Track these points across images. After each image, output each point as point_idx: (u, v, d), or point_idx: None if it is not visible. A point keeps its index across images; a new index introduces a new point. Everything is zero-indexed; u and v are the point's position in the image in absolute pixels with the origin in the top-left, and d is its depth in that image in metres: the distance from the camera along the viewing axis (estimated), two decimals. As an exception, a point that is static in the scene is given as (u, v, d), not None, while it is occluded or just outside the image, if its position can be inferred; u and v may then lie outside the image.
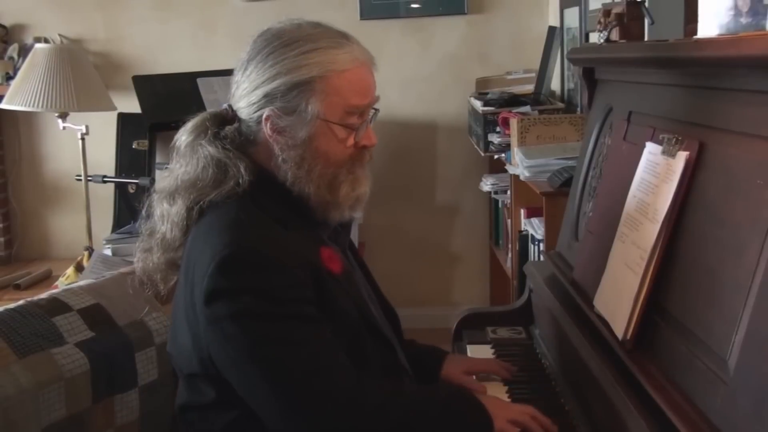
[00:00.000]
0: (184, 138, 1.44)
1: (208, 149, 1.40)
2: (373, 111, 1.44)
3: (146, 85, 3.67)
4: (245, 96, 1.41)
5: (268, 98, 1.38)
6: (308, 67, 1.36)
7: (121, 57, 4.06)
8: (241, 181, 1.37)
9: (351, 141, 1.40)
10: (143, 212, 1.49)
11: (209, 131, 1.43)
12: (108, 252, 3.23)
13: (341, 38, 1.40)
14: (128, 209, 3.74)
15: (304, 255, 1.34)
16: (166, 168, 1.48)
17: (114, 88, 3.89)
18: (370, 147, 1.43)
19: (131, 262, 2.65)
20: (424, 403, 1.38)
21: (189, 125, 1.45)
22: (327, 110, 1.37)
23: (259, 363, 1.27)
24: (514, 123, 2.96)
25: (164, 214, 1.43)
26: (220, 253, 1.28)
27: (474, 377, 1.63)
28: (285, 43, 1.39)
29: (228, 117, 1.45)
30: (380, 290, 1.61)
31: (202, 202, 1.38)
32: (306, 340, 1.29)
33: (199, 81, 3.68)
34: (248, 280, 1.28)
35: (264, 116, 1.38)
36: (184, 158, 1.43)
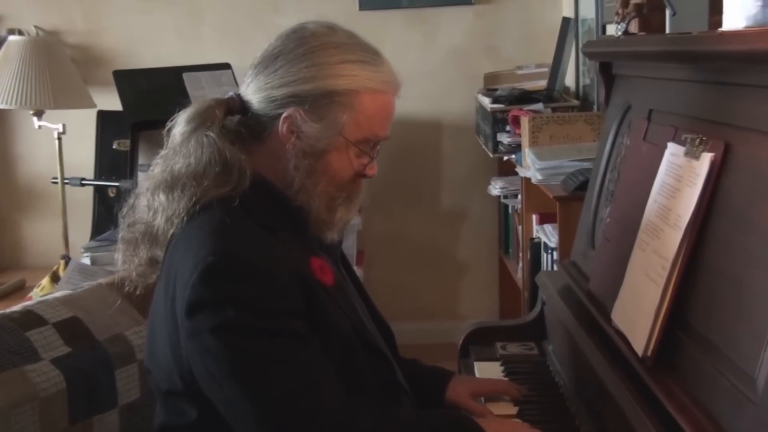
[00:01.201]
0: (183, 125, 1.43)
1: (219, 143, 1.40)
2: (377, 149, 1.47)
3: (128, 81, 3.68)
4: (266, 90, 1.41)
5: (296, 99, 1.39)
6: (346, 78, 1.38)
7: (101, 50, 4.07)
8: (240, 185, 1.38)
9: (359, 165, 1.43)
10: (126, 206, 1.47)
11: (217, 119, 1.43)
12: (86, 261, 3.23)
13: (376, 55, 1.44)
14: (108, 215, 3.73)
15: (294, 264, 1.34)
16: (157, 157, 1.46)
17: (93, 83, 3.90)
18: (370, 177, 1.47)
19: (111, 272, 2.65)
20: (417, 428, 1.38)
21: (191, 111, 1.44)
22: (351, 128, 1.40)
23: (239, 380, 1.28)
24: (525, 122, 2.96)
25: (158, 205, 1.41)
26: (203, 260, 1.29)
27: (482, 399, 1.63)
28: (324, 47, 1.40)
29: (234, 106, 1.45)
30: (374, 306, 1.61)
31: (200, 202, 1.38)
32: (291, 357, 1.29)
33: (185, 76, 3.69)
34: (233, 291, 1.28)
35: (284, 114, 1.39)
36: (184, 147, 1.42)
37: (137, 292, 1.48)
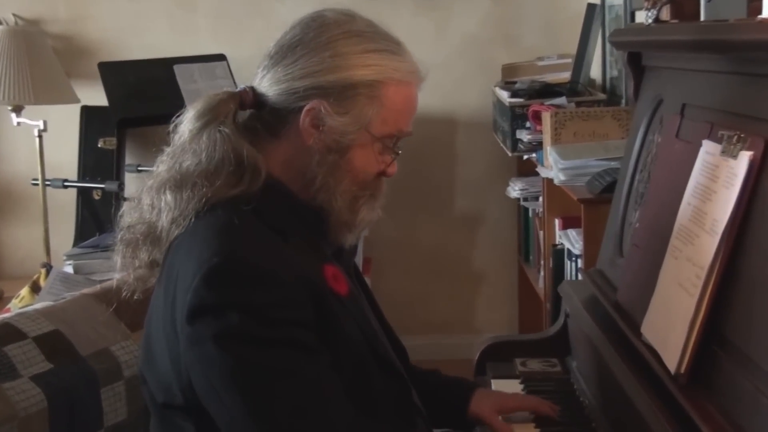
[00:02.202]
0: (193, 120, 1.44)
1: (233, 140, 1.40)
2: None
3: (114, 74, 3.69)
4: (285, 82, 1.42)
5: (319, 91, 1.40)
6: (372, 68, 1.40)
7: (86, 40, 4.08)
8: (251, 186, 1.39)
9: (381, 164, 1.45)
10: (126, 206, 1.48)
11: (230, 114, 1.43)
12: (69, 269, 3.24)
13: (398, 44, 1.46)
14: (93, 219, 3.75)
15: (305, 271, 1.35)
16: (162, 155, 1.46)
17: (77, 76, 3.91)
18: (389, 176, 1.49)
19: (96, 282, 2.66)
20: None
21: (201, 105, 1.45)
22: (376, 122, 1.42)
23: (241, 393, 1.28)
24: (546, 117, 2.96)
25: (163, 205, 1.41)
26: (206, 263, 1.29)
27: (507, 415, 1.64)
28: (346, 35, 1.42)
29: (247, 100, 1.46)
30: (387, 321, 1.62)
31: (209, 203, 1.38)
32: (299, 370, 1.30)
33: (177, 68, 3.70)
34: (237, 296, 1.29)
35: (307, 107, 1.40)
36: (195, 144, 1.42)
37: (135, 298, 1.48)
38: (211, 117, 1.43)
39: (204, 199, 1.38)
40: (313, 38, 1.42)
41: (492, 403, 1.63)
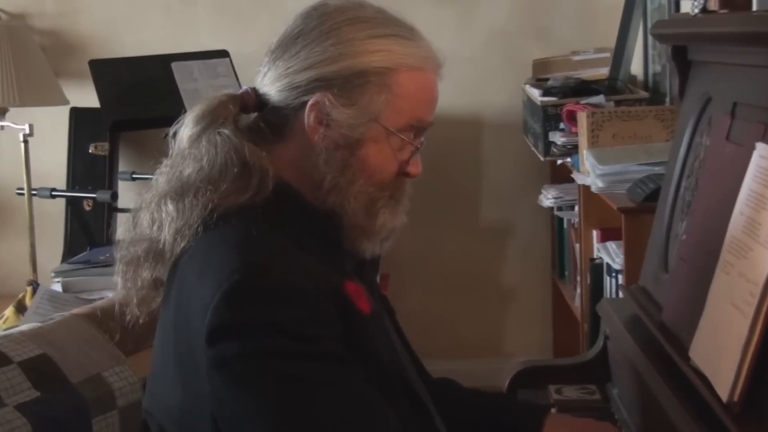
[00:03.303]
0: (192, 126, 1.46)
1: (234, 141, 1.42)
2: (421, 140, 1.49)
3: (107, 72, 3.71)
4: (287, 77, 1.43)
5: (323, 83, 1.41)
6: (380, 54, 1.41)
7: (75, 36, 4.11)
8: (261, 191, 1.40)
9: (401, 160, 1.45)
10: (124, 226, 1.49)
11: (230, 117, 1.45)
12: (57, 287, 3.25)
13: (411, 30, 1.47)
14: (83, 232, 3.77)
15: (329, 285, 1.36)
16: (161, 166, 1.48)
17: (66, 76, 3.94)
18: (414, 176, 1.49)
19: (87, 301, 2.67)
20: None
21: (199, 109, 1.46)
22: (389, 114, 1.42)
23: (280, 413, 1.28)
24: (582, 118, 2.96)
25: (165, 216, 1.42)
26: (228, 279, 1.30)
27: None
28: (351, 21, 1.43)
29: (249, 102, 1.48)
30: (409, 344, 1.62)
31: (217, 210, 1.39)
32: (340, 381, 1.31)
33: (175, 66, 3.72)
34: (264, 314, 1.29)
35: (311, 102, 1.41)
36: (194, 149, 1.44)
37: (140, 322, 1.48)
38: (210, 120, 1.45)
39: (210, 206, 1.39)
40: (314, 27, 1.43)
41: (567, 430, 1.64)
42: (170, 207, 1.42)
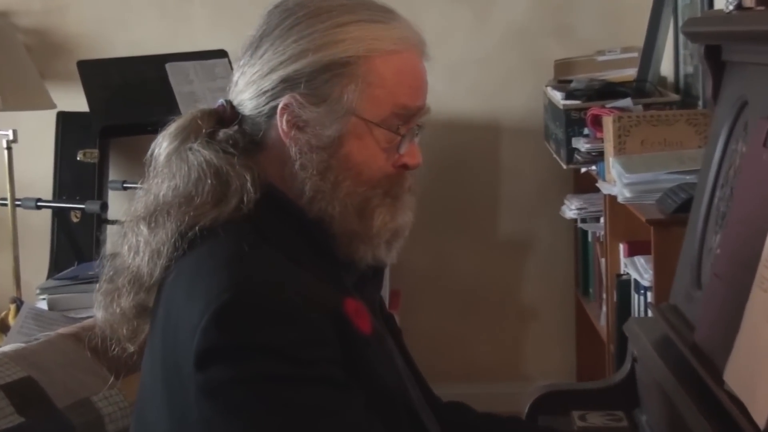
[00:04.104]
0: (166, 144, 1.47)
1: (204, 154, 1.43)
2: (417, 126, 1.48)
3: (97, 74, 3.72)
4: (254, 83, 1.44)
5: (289, 83, 1.41)
6: (345, 43, 1.41)
7: (63, 35, 4.12)
8: (246, 198, 1.40)
9: (391, 153, 1.44)
10: (104, 247, 1.50)
11: (202, 131, 1.46)
12: (43, 305, 3.26)
13: (385, 12, 1.45)
14: (71, 245, 3.77)
15: (327, 303, 1.35)
16: (139, 188, 1.49)
17: (52, 78, 3.95)
18: (412, 168, 1.47)
19: (74, 319, 2.67)
20: None
21: (172, 128, 1.48)
22: (367, 105, 1.41)
23: None
24: (608, 123, 2.96)
25: (138, 243, 1.44)
26: (217, 298, 1.29)
27: None
28: (313, 13, 1.43)
29: (225, 116, 1.48)
30: (417, 367, 1.62)
31: (198, 226, 1.40)
32: (340, 409, 1.30)
33: (169, 67, 3.73)
34: (257, 336, 1.29)
35: (280, 106, 1.42)
36: (168, 169, 1.45)
37: (133, 355, 1.49)
38: (182, 138, 1.46)
39: (186, 219, 1.39)
40: (276, 26, 1.44)
41: None
42: (143, 228, 1.43)
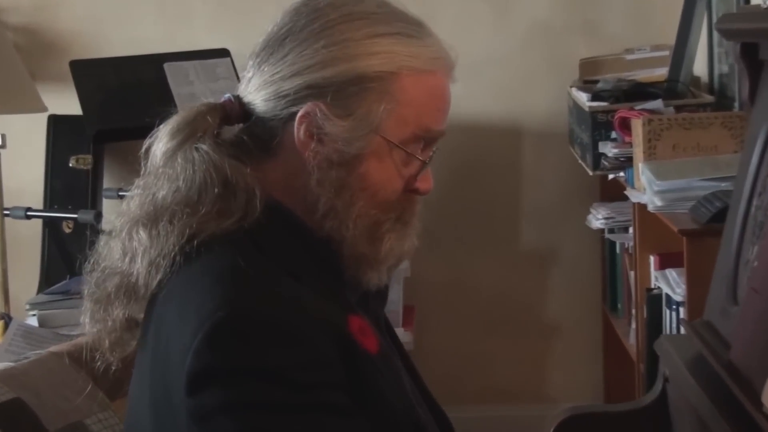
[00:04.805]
0: (166, 140, 1.46)
1: (213, 157, 1.42)
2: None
3: (91, 75, 3.73)
4: (273, 83, 1.44)
5: (313, 91, 1.41)
6: (379, 57, 1.41)
7: (55, 34, 4.14)
8: (249, 214, 1.40)
9: (409, 176, 1.45)
10: (93, 256, 1.49)
11: (211, 129, 1.45)
12: (33, 321, 3.27)
13: (419, 26, 1.46)
14: (63, 258, 3.78)
15: (329, 322, 1.35)
16: (131, 188, 1.48)
17: (44, 79, 3.96)
18: (423, 194, 1.48)
19: (66, 337, 2.68)
20: None
21: (175, 121, 1.47)
22: (392, 125, 1.42)
23: None
24: (638, 126, 2.96)
25: (135, 249, 1.43)
26: (209, 318, 1.29)
27: None
28: (346, 18, 1.43)
29: (232, 113, 1.48)
30: (425, 386, 1.62)
31: (198, 237, 1.39)
32: None
33: (168, 67, 3.74)
34: (252, 358, 1.29)
35: (300, 113, 1.41)
36: (169, 168, 1.44)
37: (112, 368, 1.49)
38: (187, 134, 1.45)
39: (188, 232, 1.39)
40: (304, 26, 1.44)
41: None
42: (143, 235, 1.42)
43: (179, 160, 1.43)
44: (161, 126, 1.48)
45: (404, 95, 1.42)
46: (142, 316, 1.45)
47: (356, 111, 1.40)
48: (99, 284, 1.47)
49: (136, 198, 1.46)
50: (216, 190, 1.40)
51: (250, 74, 1.48)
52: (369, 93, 1.41)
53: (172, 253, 1.39)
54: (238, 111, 1.48)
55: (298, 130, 1.41)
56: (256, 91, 1.46)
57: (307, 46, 1.42)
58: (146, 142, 1.48)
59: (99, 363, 1.50)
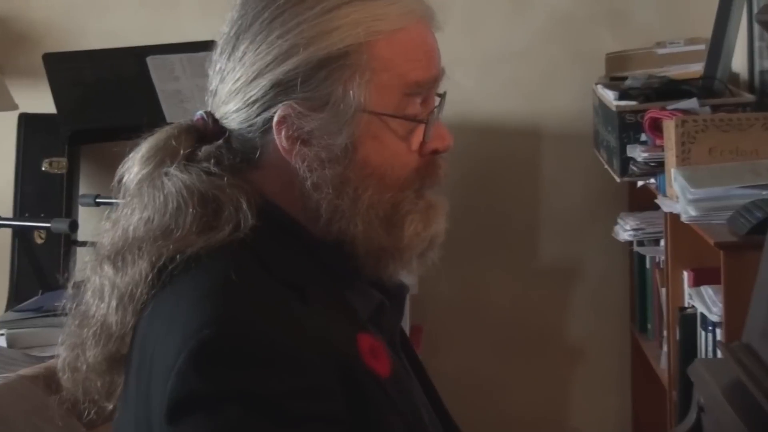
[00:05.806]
0: (137, 170, 1.46)
1: (182, 179, 1.42)
2: (438, 95, 1.48)
3: (66, 69, 3.74)
4: (239, 91, 1.43)
5: (281, 88, 1.41)
6: (341, 31, 1.40)
7: (27, 24, 4.15)
8: (243, 224, 1.39)
9: (417, 141, 1.44)
10: (72, 276, 1.50)
11: (180, 153, 1.45)
12: (1, 342, 3.27)
13: None
14: (34, 271, 3.78)
15: (333, 344, 1.35)
16: (104, 222, 1.49)
17: (14, 74, 3.98)
18: (443, 151, 1.47)
19: (38, 358, 2.68)
20: None
21: (143, 149, 1.47)
22: (375, 96, 1.41)
23: None
24: (670, 127, 2.96)
25: (102, 287, 1.44)
26: (194, 336, 1.29)
27: None
28: (297, 0, 1.41)
29: (207, 131, 1.48)
30: (447, 411, 1.62)
31: (180, 256, 1.39)
32: None
33: (151, 61, 3.74)
34: (239, 382, 1.28)
35: (276, 119, 1.41)
36: (138, 199, 1.45)
37: (107, 411, 1.49)
38: (159, 160, 1.45)
39: (165, 253, 1.39)
40: (254, 19, 1.44)
41: None
42: (107, 270, 1.43)
43: (147, 188, 1.44)
44: (131, 153, 1.48)
45: (378, 62, 1.41)
46: (126, 349, 1.45)
47: (331, 96, 1.40)
48: (73, 333, 1.48)
49: (107, 234, 1.47)
50: (191, 211, 1.40)
51: (214, 85, 1.47)
52: (340, 72, 1.40)
53: (146, 278, 1.39)
54: (212, 128, 1.48)
55: (279, 139, 1.41)
56: (224, 104, 1.46)
57: (261, 41, 1.42)
58: (118, 172, 1.49)
59: (86, 415, 1.50)
